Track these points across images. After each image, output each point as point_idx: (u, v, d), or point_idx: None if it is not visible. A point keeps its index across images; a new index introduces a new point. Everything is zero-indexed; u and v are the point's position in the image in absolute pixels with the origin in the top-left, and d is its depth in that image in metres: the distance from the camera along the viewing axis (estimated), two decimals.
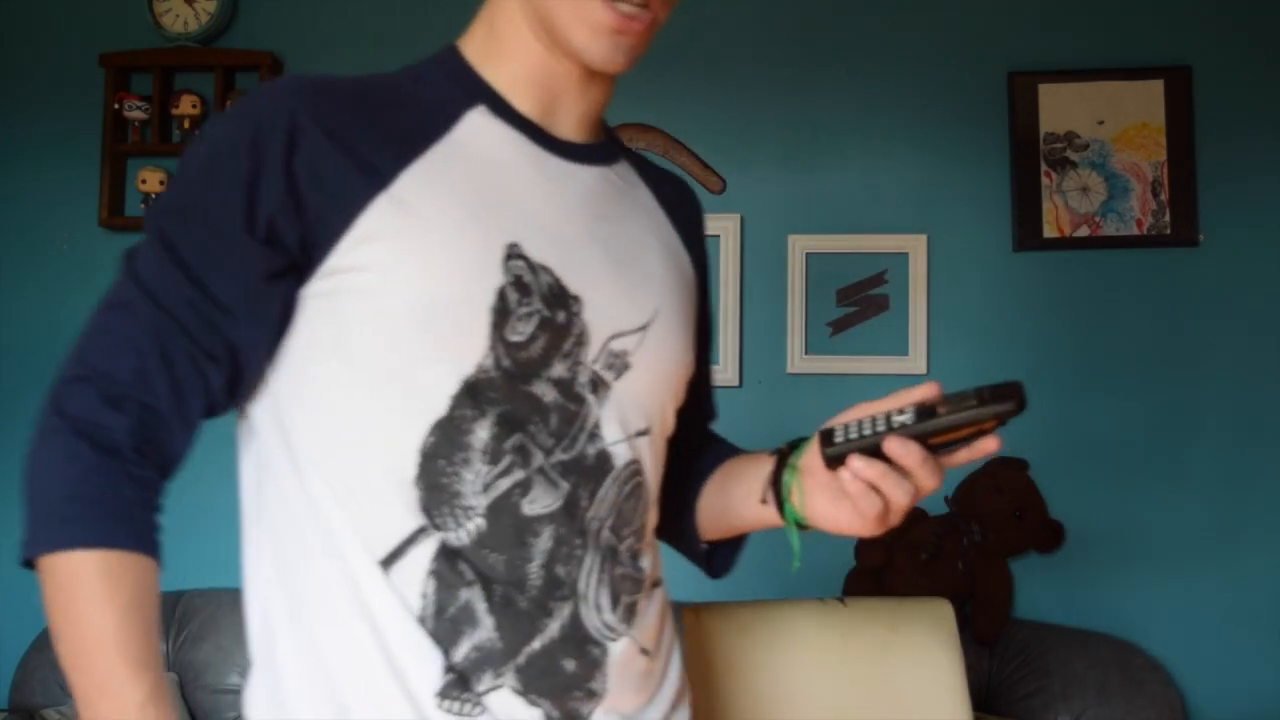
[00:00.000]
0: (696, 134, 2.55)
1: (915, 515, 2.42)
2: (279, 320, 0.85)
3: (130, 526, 0.80)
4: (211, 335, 0.82)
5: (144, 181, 2.60)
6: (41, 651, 2.37)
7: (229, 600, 2.38)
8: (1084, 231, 2.46)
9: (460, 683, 0.83)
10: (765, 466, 0.96)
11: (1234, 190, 2.44)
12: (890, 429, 0.81)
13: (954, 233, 2.49)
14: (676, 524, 1.08)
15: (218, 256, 0.82)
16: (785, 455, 0.94)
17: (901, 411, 0.82)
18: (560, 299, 0.87)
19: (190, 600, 2.40)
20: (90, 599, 0.78)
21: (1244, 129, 2.44)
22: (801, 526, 0.92)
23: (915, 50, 2.54)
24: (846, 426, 0.84)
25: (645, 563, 0.94)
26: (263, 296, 0.83)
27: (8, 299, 2.67)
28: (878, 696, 1.48)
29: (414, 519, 0.83)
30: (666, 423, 0.98)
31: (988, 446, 0.83)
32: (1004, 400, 0.78)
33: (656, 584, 0.98)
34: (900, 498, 0.83)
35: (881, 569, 2.40)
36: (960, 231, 2.49)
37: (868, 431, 0.82)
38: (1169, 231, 2.44)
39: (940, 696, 1.48)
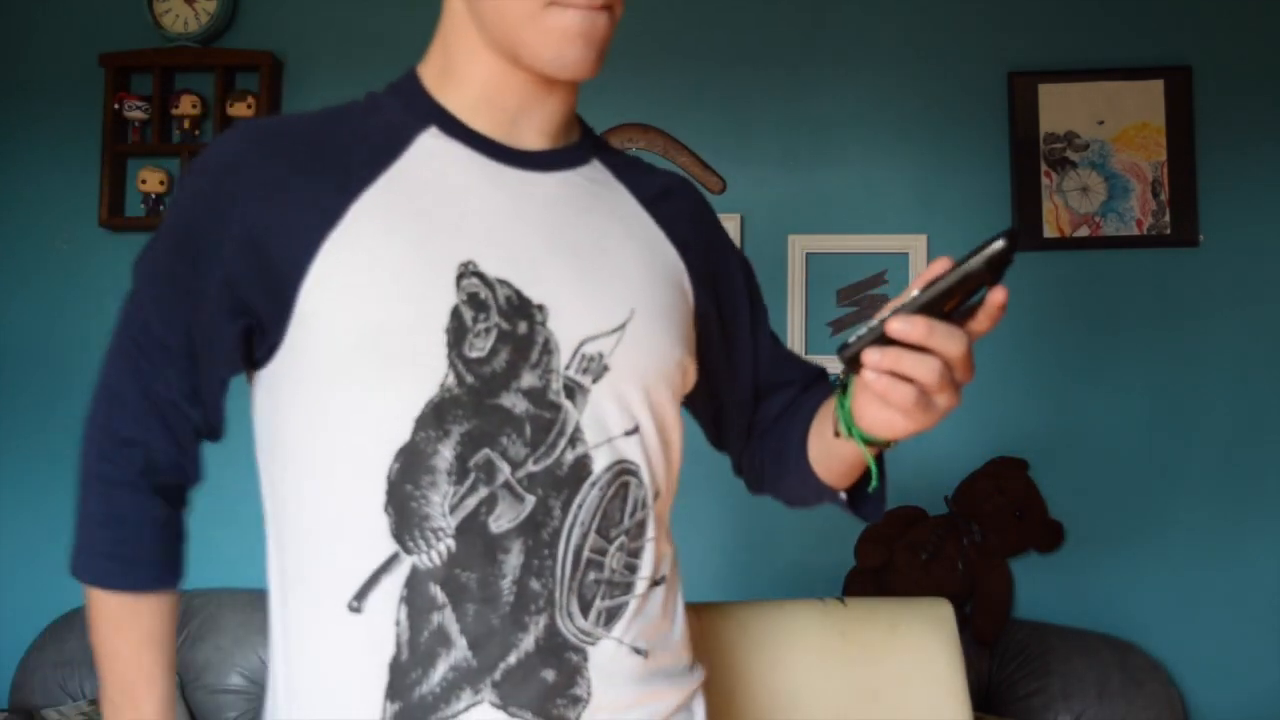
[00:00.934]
0: (696, 134, 2.55)
1: (915, 515, 2.43)
2: (238, 362, 0.92)
3: (148, 569, 0.94)
4: (185, 377, 0.92)
5: (144, 181, 2.60)
6: (41, 651, 2.37)
7: (229, 600, 2.38)
8: (1084, 231, 2.46)
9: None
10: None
11: (1234, 190, 2.44)
12: (889, 310, 0.78)
13: (954, 233, 2.49)
14: (807, 486, 1.04)
15: (178, 307, 0.91)
16: (844, 383, 0.90)
17: (912, 292, 0.79)
18: (521, 310, 0.88)
19: (190, 600, 2.40)
20: (113, 630, 0.94)
21: (1244, 129, 2.44)
22: (882, 445, 0.88)
23: (915, 50, 2.54)
24: (865, 325, 0.80)
25: (644, 560, 0.94)
26: (223, 342, 0.90)
27: (7, 299, 2.67)
28: (878, 696, 1.48)
29: (386, 546, 0.86)
30: (665, 418, 0.97)
31: (996, 298, 0.76)
32: (991, 244, 0.74)
33: (660, 582, 0.97)
34: (928, 374, 0.77)
35: (881, 569, 2.40)
36: (960, 231, 2.49)
37: (874, 324, 0.78)
38: (1169, 231, 2.44)
39: (940, 696, 1.48)
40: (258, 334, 0.90)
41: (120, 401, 0.93)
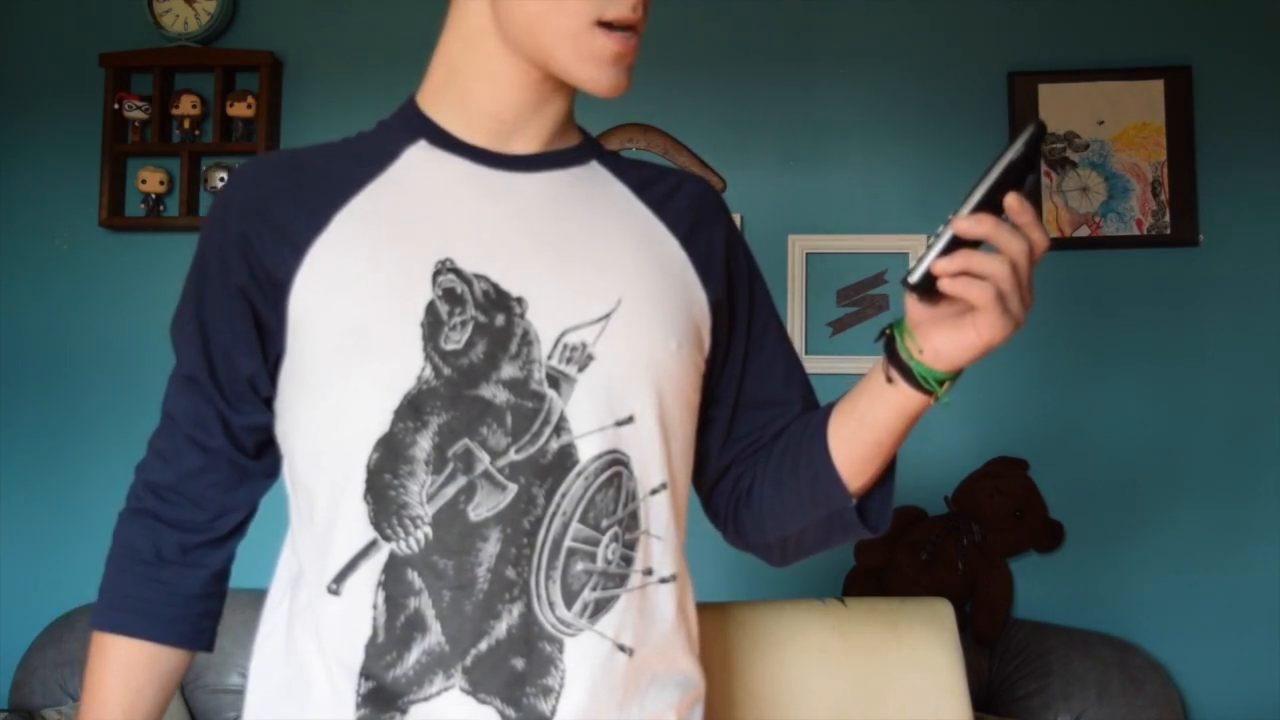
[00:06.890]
0: (696, 134, 2.55)
1: (915, 515, 2.43)
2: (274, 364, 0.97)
3: (158, 624, 1.04)
4: (231, 381, 0.97)
5: (144, 181, 2.60)
6: (41, 651, 2.37)
7: (229, 601, 2.38)
8: (1084, 231, 2.46)
9: (381, 703, 0.89)
10: (877, 367, 0.94)
11: (1234, 190, 2.44)
12: (946, 225, 0.83)
13: None
14: (815, 493, 0.99)
15: (214, 313, 0.96)
16: (891, 334, 0.91)
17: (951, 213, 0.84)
18: (499, 303, 0.90)
19: None
20: (104, 669, 1.01)
21: (1244, 129, 2.44)
22: (939, 383, 0.90)
23: (915, 50, 2.54)
24: (924, 249, 0.84)
25: (638, 553, 0.93)
26: (253, 339, 0.95)
27: (7, 299, 2.67)
28: (878, 696, 1.48)
29: (366, 532, 0.89)
30: (663, 409, 0.95)
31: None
32: (1023, 131, 0.81)
33: (663, 580, 0.96)
34: (1000, 269, 0.81)
35: (881, 569, 2.40)
36: None
37: (933, 242, 0.83)
38: (1169, 231, 2.44)
39: (940, 696, 1.47)
40: (269, 343, 0.95)
41: (165, 434, 1.01)
